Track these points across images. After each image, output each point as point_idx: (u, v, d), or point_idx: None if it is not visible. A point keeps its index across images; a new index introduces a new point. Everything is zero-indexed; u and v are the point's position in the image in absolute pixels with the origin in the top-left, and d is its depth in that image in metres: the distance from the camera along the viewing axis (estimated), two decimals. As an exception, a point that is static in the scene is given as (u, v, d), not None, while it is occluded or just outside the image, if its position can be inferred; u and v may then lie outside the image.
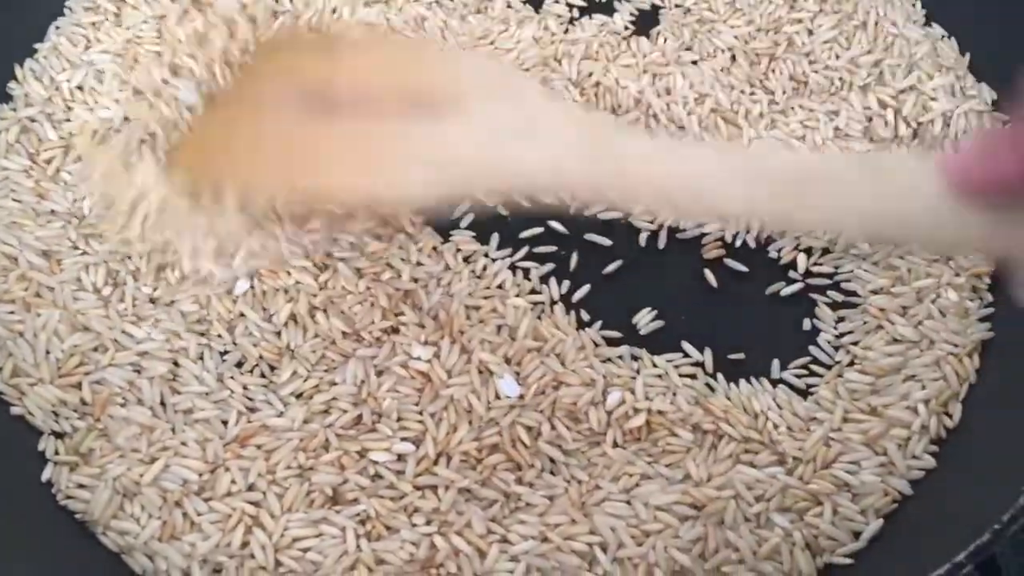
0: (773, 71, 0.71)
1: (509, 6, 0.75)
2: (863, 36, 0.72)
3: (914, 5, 0.74)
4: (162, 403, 0.58)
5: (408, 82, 0.56)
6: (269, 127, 0.56)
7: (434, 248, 0.64)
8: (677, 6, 0.76)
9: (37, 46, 0.70)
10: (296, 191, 0.54)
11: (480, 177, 0.52)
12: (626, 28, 0.74)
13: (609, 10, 0.75)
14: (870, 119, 0.68)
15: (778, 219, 0.51)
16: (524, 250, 0.64)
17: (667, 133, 0.68)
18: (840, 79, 0.71)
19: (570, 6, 0.76)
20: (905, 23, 0.72)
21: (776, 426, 0.58)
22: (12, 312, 0.60)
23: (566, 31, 0.74)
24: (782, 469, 0.57)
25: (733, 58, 0.72)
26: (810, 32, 0.73)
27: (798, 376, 0.61)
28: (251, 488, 0.56)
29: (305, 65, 0.58)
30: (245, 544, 0.54)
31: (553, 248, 0.65)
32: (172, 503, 0.55)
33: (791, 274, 0.64)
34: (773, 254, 0.65)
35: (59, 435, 0.57)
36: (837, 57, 0.71)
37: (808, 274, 0.64)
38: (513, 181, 0.52)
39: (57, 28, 0.71)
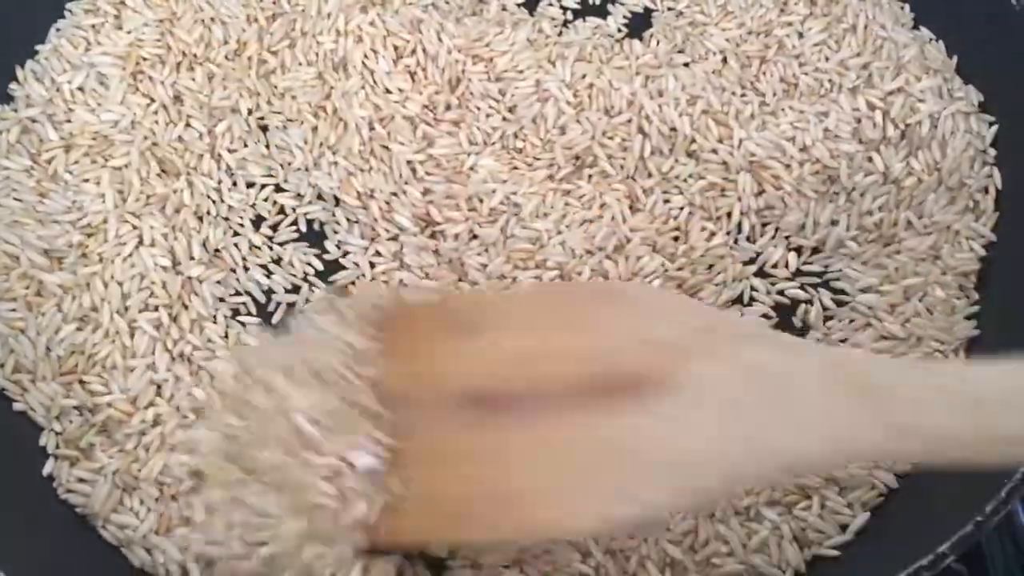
0: (764, 73, 0.72)
1: (504, 8, 0.76)
2: (852, 39, 0.73)
3: (902, 8, 0.75)
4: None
5: (588, 353, 0.46)
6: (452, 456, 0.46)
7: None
8: (669, 9, 0.77)
9: (38, 47, 0.71)
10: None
11: (734, 475, 0.42)
12: (619, 31, 0.75)
13: (602, 13, 0.77)
14: (859, 120, 0.69)
15: None
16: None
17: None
18: (830, 81, 0.72)
19: (564, 9, 0.77)
20: (893, 26, 0.74)
21: (765, 421, 0.59)
22: (14, 310, 0.61)
23: (560, 34, 0.75)
24: (771, 463, 0.58)
25: (724, 60, 0.73)
26: (800, 35, 0.74)
27: (788, 373, 0.62)
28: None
29: (450, 354, 0.48)
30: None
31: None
32: (168, 497, 0.56)
33: (780, 272, 0.65)
34: (764, 253, 0.66)
35: (59, 432, 0.58)
36: (827, 59, 0.72)
37: (798, 272, 0.65)
38: (776, 472, 0.43)
39: (58, 30, 0.72)
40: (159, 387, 0.59)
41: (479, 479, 0.46)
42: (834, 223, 0.66)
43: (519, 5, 0.76)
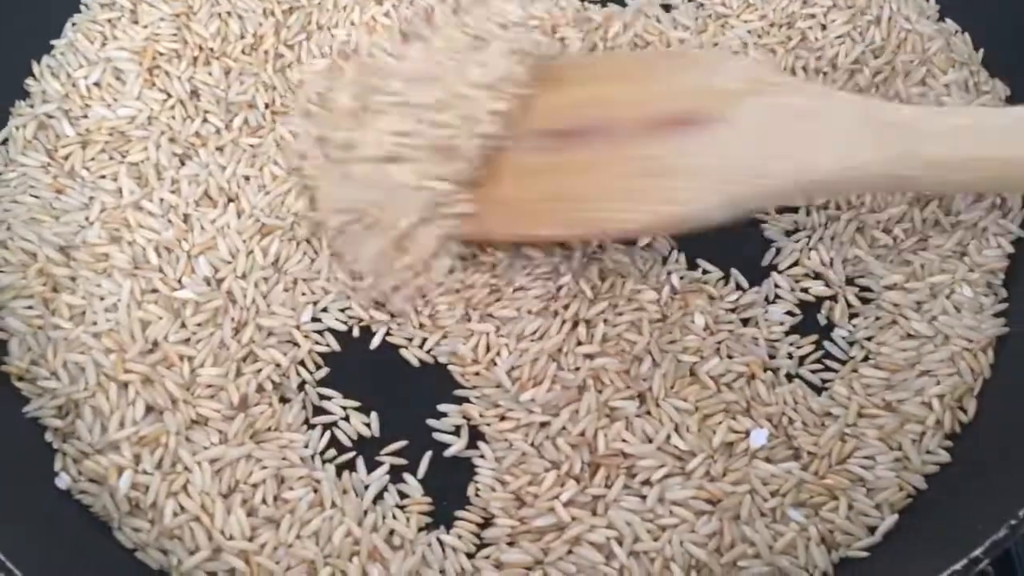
0: (786, 66, 0.71)
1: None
2: (876, 31, 0.72)
3: (927, 0, 0.74)
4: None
5: (652, 96, 0.58)
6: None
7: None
8: (690, 1, 0.76)
9: (54, 42, 0.71)
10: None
11: (767, 185, 0.53)
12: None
13: (622, 3, 0.76)
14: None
15: None
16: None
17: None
18: (853, 74, 0.70)
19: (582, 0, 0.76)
20: (918, 18, 0.72)
21: (791, 421, 0.59)
22: (31, 307, 0.61)
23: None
24: (797, 464, 0.57)
25: (746, 52, 0.72)
26: (823, 27, 0.73)
27: (813, 372, 0.61)
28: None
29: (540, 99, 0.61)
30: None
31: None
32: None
33: (806, 271, 0.64)
34: (787, 250, 0.65)
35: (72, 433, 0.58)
36: (848, 53, 0.71)
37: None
38: (800, 182, 0.53)
39: (73, 24, 0.71)
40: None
41: (557, 186, 0.59)
42: (859, 219, 0.65)
43: (534, -2, 0.75)
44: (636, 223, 0.58)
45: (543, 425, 0.59)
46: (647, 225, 0.59)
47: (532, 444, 0.58)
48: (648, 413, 0.59)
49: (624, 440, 0.58)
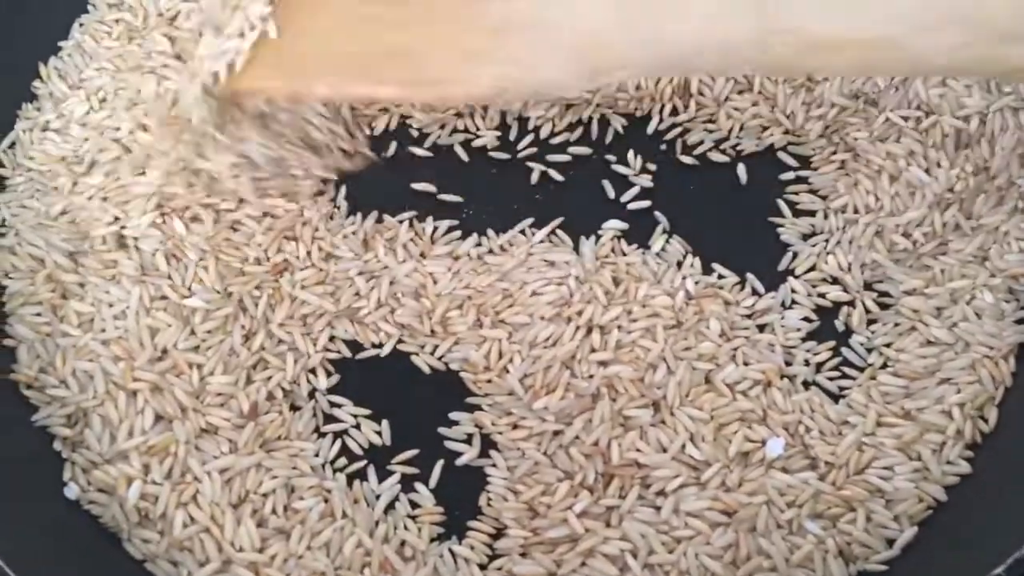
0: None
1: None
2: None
3: (948, -2, 0.72)
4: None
5: None
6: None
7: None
8: None
9: (61, 43, 0.70)
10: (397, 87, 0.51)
11: (627, 54, 0.46)
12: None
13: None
14: (905, 119, 0.67)
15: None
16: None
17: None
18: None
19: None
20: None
21: (808, 430, 0.58)
22: (39, 314, 0.60)
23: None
24: (814, 474, 0.56)
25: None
26: (841, 26, 0.72)
27: (830, 379, 0.60)
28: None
29: None
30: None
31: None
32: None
33: (823, 276, 0.63)
34: (804, 254, 0.64)
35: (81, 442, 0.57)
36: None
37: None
38: (666, 55, 0.47)
39: (81, 25, 0.71)
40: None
41: (386, 37, 0.50)
42: (878, 223, 0.64)
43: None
44: (479, 89, 0.51)
45: (556, 434, 0.58)
46: (491, 93, 0.52)
47: (545, 453, 0.58)
48: (663, 422, 0.58)
49: (638, 450, 0.57)
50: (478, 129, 0.69)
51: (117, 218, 0.63)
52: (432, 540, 0.56)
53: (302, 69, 0.53)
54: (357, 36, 0.52)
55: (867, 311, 0.62)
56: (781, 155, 0.68)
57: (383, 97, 0.57)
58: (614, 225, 0.66)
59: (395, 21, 0.51)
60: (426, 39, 0.50)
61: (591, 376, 0.59)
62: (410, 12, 0.51)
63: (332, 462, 0.58)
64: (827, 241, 0.64)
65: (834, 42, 0.47)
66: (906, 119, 0.67)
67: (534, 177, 0.68)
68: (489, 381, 0.60)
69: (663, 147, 0.69)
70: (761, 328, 0.62)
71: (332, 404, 0.60)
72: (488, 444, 0.59)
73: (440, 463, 0.58)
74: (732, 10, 0.47)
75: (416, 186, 0.67)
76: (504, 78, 0.49)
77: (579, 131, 0.69)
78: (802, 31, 0.47)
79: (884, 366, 0.60)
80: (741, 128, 0.69)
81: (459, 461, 0.58)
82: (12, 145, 0.66)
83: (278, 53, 0.53)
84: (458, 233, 0.65)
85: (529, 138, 0.69)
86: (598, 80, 0.50)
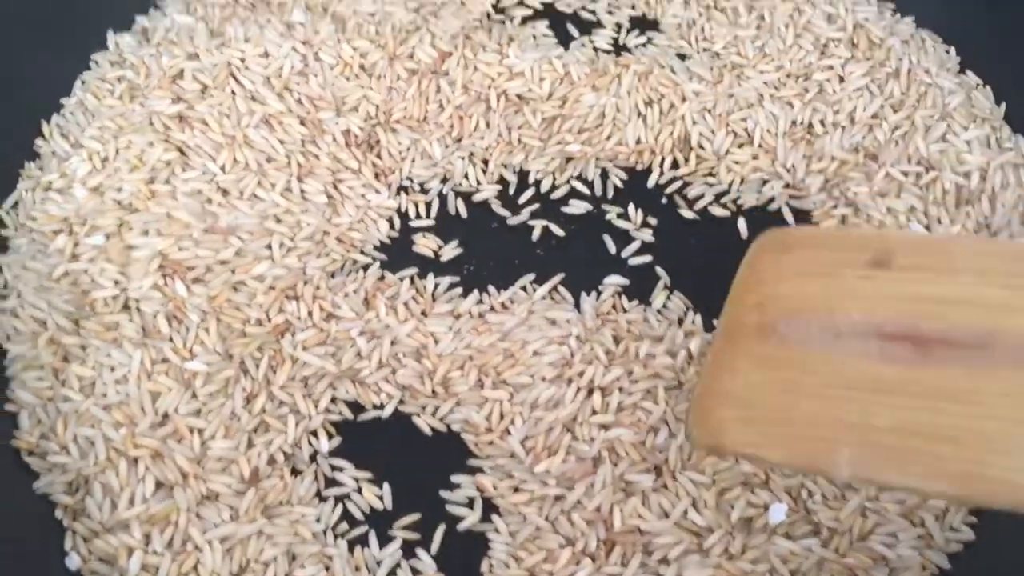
0: (802, 120, 0.70)
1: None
2: (895, 84, 0.71)
3: (948, 52, 0.73)
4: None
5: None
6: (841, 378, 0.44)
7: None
8: (705, 50, 0.75)
9: (63, 100, 0.70)
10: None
11: None
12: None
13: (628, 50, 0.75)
14: (905, 175, 0.67)
15: None
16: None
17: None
18: (871, 129, 0.69)
19: (596, 50, 0.75)
20: (939, 71, 0.71)
21: (811, 494, 0.57)
22: (41, 378, 0.60)
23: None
24: (817, 540, 0.56)
25: (762, 105, 0.71)
26: (841, 79, 0.72)
27: (832, 441, 0.60)
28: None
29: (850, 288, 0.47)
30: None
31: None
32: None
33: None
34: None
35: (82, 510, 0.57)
36: (867, 107, 0.70)
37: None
38: None
39: (83, 83, 0.71)
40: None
41: (909, 417, 0.43)
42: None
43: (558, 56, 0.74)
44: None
45: (558, 499, 0.58)
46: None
47: (546, 518, 0.57)
48: (664, 487, 0.58)
49: (640, 516, 0.57)
50: (478, 183, 0.69)
51: (117, 280, 0.62)
52: (434, 608, 0.56)
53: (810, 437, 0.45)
54: (855, 406, 0.45)
55: (869, 370, 0.62)
56: (782, 209, 0.68)
57: (894, 485, 0.45)
58: (615, 281, 0.66)
59: (917, 396, 0.44)
60: (966, 423, 0.43)
61: (592, 439, 0.59)
62: (941, 385, 0.43)
63: (334, 527, 0.58)
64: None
65: None
66: (906, 174, 0.67)
67: (535, 234, 0.68)
68: (491, 443, 0.60)
69: (664, 200, 0.69)
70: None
71: (333, 468, 0.60)
72: (490, 508, 0.59)
73: (441, 528, 0.58)
74: None
75: (417, 246, 0.67)
76: None
77: (580, 185, 0.69)
78: None
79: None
80: (742, 181, 0.69)
81: (461, 526, 0.58)
82: (15, 205, 0.66)
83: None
84: (459, 290, 0.65)
85: (530, 192, 0.69)
86: None
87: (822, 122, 0.70)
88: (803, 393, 0.46)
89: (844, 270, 0.48)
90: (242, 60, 0.71)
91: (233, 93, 0.69)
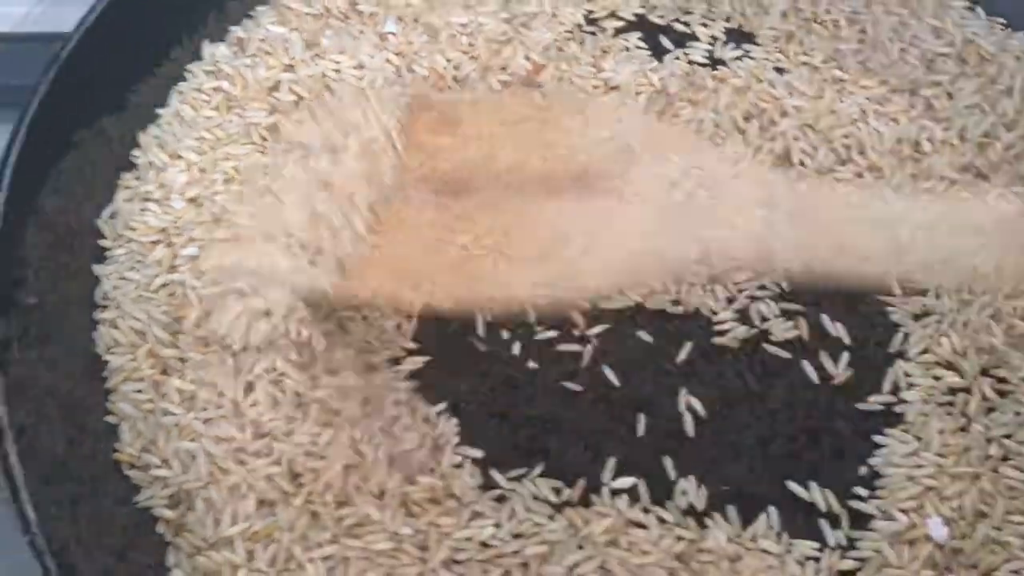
0: (910, 138, 0.68)
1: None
2: (1008, 103, 0.69)
3: (1064, 69, 0.70)
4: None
5: (554, 152, 0.54)
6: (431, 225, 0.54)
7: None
8: (804, 64, 0.74)
9: (159, 111, 0.70)
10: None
11: (668, 259, 0.49)
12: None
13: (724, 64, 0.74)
14: (1017, 195, 0.65)
15: None
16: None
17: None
18: (983, 148, 0.67)
19: (691, 63, 0.74)
20: (1055, 88, 0.69)
21: (928, 526, 0.56)
22: (140, 391, 0.60)
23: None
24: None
25: (867, 121, 0.69)
26: (950, 96, 0.70)
27: (949, 472, 0.58)
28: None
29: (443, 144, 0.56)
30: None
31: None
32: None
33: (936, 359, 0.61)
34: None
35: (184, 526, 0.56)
36: (978, 124, 0.68)
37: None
38: (708, 258, 0.50)
39: (180, 93, 0.71)
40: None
41: (443, 248, 0.54)
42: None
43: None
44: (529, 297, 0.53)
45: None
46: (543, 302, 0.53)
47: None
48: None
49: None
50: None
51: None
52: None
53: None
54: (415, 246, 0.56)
55: (984, 398, 0.60)
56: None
57: (433, 310, 0.56)
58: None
59: (455, 231, 0.55)
60: (486, 254, 0.54)
61: None
62: (470, 223, 0.55)
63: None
64: (939, 323, 0.62)
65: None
66: (1019, 195, 0.65)
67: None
68: None
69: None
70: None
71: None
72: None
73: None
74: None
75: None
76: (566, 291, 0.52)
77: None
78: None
79: (1005, 459, 0.58)
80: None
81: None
82: (113, 215, 0.66)
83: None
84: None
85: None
86: (639, 287, 0.52)
87: (930, 140, 0.68)
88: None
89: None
90: (337, 71, 0.71)
91: (328, 104, 0.69)
